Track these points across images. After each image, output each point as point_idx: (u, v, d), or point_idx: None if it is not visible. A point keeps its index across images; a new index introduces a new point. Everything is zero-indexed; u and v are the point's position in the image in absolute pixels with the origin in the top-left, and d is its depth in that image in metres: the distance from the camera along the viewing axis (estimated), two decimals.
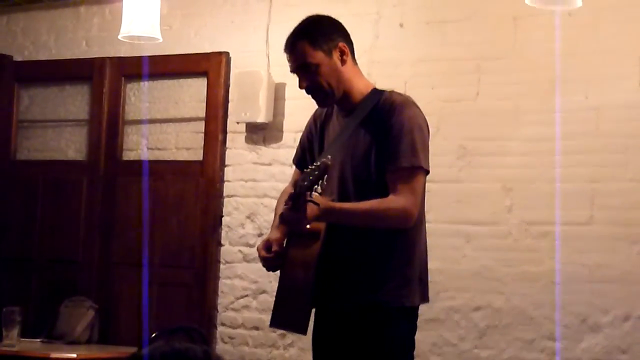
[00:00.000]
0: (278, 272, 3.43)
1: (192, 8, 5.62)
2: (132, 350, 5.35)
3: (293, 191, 3.19)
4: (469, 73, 4.78)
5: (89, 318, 5.47)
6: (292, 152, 3.68)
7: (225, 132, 5.44)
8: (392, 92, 3.40)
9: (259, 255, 3.42)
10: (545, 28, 4.57)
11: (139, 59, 5.60)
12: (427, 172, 3.34)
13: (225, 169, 5.43)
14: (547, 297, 4.52)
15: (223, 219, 5.40)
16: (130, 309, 5.55)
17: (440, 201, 4.69)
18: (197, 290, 5.35)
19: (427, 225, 3.45)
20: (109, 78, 5.81)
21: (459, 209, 4.74)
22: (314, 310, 3.39)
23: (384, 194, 3.25)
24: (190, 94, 5.60)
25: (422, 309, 3.46)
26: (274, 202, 3.77)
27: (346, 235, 3.29)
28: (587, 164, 4.47)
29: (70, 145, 5.97)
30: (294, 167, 3.67)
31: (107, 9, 5.83)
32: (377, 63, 4.95)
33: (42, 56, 6.10)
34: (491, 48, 4.75)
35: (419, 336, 3.41)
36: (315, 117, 3.56)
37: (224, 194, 5.41)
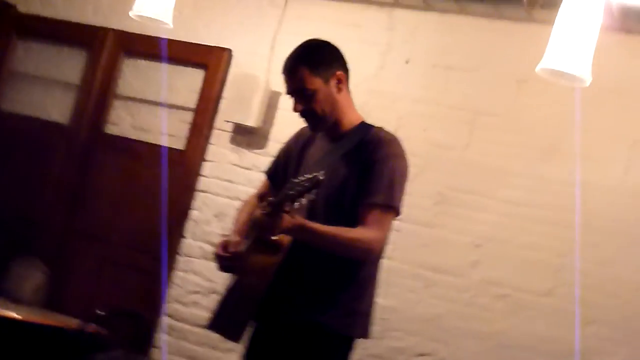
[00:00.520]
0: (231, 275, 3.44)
1: (206, 1, 5.60)
2: (75, 322, 5.29)
3: (273, 198, 3.19)
4: (464, 123, 4.79)
5: (37, 280, 5.42)
6: None
7: (211, 128, 5.42)
8: (380, 128, 3.45)
9: (215, 253, 3.43)
10: (547, 96, 4.60)
11: (143, 37, 5.60)
12: (398, 214, 3.37)
13: (204, 163, 5.40)
14: (491, 359, 4.53)
15: (191, 212, 5.38)
16: (82, 280, 5.51)
17: (409, 242, 4.70)
18: (151, 276, 5.29)
19: (391, 263, 3.46)
20: (108, 49, 5.79)
21: (425, 254, 4.73)
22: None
23: (351, 224, 3.27)
24: (185, 83, 5.57)
25: (368, 343, 3.46)
26: None
27: (309, 254, 3.30)
28: (558, 237, 4.48)
29: (56, 107, 5.92)
30: (265, 177, 3.71)
31: None
32: (376, 93, 4.97)
33: (47, 13, 6.05)
34: (490, 104, 4.76)
35: None
36: (297, 135, 3.61)
37: (197, 188, 5.39)
